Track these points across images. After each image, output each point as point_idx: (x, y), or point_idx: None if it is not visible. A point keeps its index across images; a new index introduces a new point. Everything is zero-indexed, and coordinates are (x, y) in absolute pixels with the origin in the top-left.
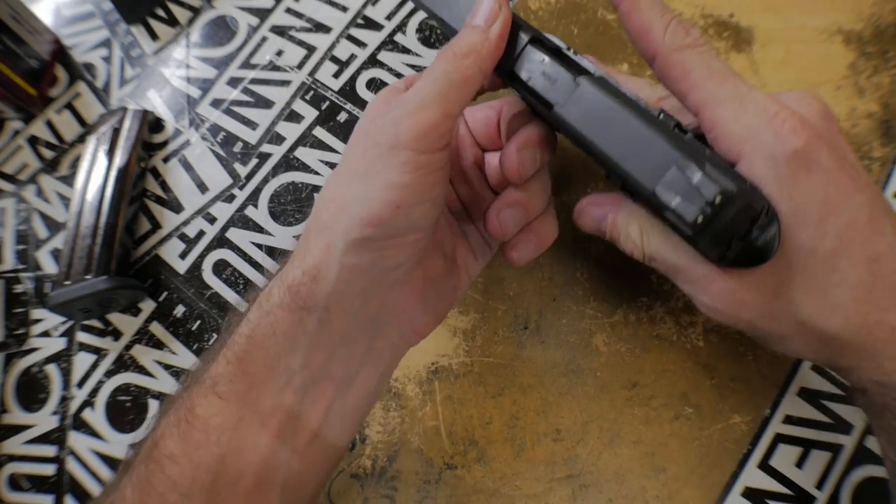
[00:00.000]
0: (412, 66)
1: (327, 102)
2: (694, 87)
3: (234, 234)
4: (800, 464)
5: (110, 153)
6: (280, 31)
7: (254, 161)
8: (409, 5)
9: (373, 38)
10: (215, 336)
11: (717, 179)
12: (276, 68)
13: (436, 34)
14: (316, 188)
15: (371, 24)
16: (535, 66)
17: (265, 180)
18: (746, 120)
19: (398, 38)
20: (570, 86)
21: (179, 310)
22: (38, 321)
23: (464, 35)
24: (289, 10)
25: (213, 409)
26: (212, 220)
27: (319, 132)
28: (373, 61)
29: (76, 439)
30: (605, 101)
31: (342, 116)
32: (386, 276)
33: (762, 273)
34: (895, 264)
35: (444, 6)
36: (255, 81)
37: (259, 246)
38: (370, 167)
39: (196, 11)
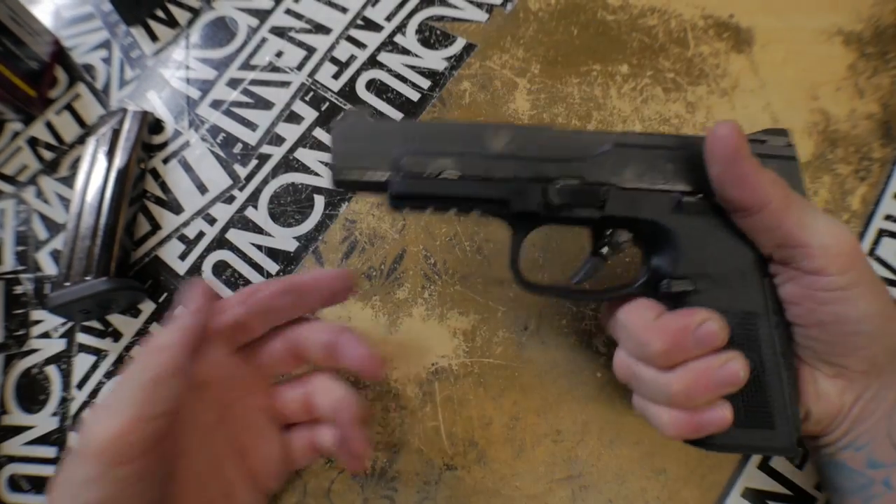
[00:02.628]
0: (412, 67)
1: (327, 103)
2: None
3: (234, 236)
4: (800, 464)
5: (110, 154)
6: (280, 32)
7: (253, 162)
8: (409, 6)
9: (372, 39)
10: None
11: None
12: (275, 69)
13: (435, 35)
14: (316, 189)
15: (371, 26)
16: None
17: (265, 181)
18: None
19: (398, 39)
20: None
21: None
22: (37, 322)
23: (164, 328)
24: (288, 12)
25: None
26: (211, 221)
27: (319, 133)
28: (372, 62)
29: (76, 440)
30: None
31: None
32: None
33: None
34: None
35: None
36: (254, 82)
37: (259, 247)
38: (66, 477)
39: (196, 13)
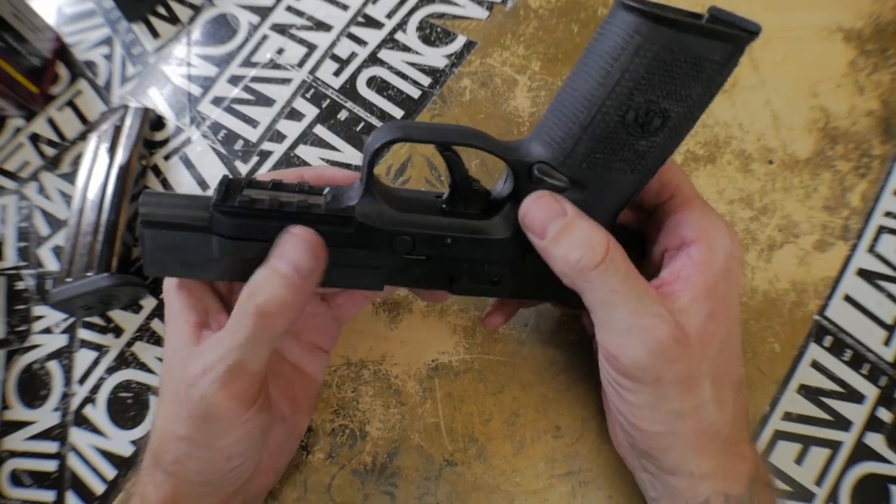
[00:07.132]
0: (412, 65)
1: (328, 100)
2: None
3: None
4: (799, 461)
5: (112, 151)
6: (281, 29)
7: (254, 159)
8: (410, 4)
9: (373, 37)
10: None
11: None
12: (276, 66)
13: (436, 32)
14: None
15: (371, 23)
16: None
17: None
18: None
19: (399, 36)
20: None
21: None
22: (39, 318)
23: (273, 285)
24: (289, 9)
25: None
26: None
27: (320, 130)
28: (373, 59)
29: (78, 436)
30: None
31: (343, 114)
32: (232, 487)
33: None
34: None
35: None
36: (255, 79)
37: None
38: (192, 435)
39: (197, 9)
